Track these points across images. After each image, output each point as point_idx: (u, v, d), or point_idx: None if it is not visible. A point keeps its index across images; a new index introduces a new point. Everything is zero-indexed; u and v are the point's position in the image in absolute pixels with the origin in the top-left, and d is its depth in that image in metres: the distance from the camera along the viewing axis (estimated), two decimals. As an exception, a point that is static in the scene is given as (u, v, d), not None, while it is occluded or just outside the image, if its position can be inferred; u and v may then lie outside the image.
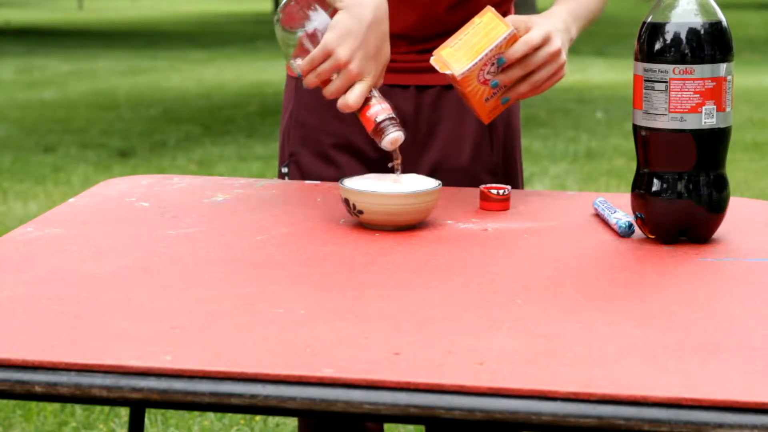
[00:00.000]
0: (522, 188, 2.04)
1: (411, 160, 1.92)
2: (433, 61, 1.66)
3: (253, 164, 6.91)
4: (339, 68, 1.61)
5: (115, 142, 7.77)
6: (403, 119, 1.92)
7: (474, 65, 1.63)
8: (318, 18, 1.64)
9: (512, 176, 1.99)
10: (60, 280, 1.35)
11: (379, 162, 1.92)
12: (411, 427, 3.11)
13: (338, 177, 1.88)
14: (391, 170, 1.66)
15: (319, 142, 1.94)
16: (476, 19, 1.66)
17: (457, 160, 1.93)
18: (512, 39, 1.65)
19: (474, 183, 1.91)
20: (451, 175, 1.90)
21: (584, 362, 1.09)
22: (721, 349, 1.13)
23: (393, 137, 1.60)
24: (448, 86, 1.93)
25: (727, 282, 1.35)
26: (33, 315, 1.23)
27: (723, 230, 1.53)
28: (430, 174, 1.91)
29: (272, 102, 9.82)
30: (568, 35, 1.76)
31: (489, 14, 1.66)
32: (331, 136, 1.94)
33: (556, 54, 1.68)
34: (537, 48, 1.67)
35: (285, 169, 1.98)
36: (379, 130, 1.60)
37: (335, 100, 1.68)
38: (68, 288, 1.32)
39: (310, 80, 1.63)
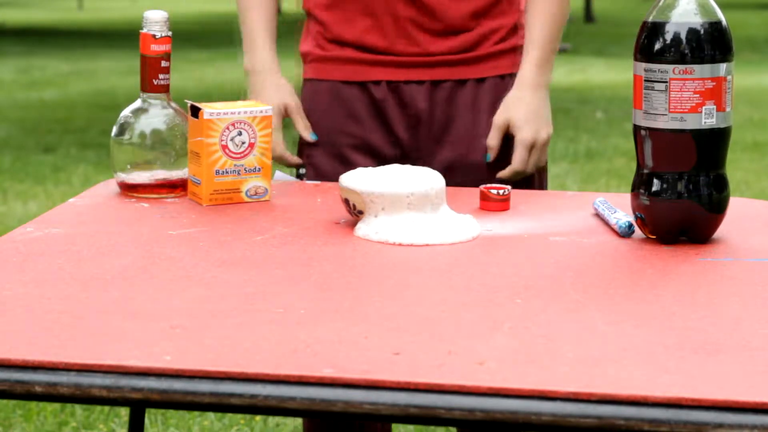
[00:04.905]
0: (539, 183, 2.01)
1: (426, 156, 1.94)
2: None
3: (253, 164, 6.90)
4: None
5: (115, 142, 7.75)
6: (417, 116, 1.94)
7: None
8: None
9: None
10: (60, 280, 1.35)
11: (396, 161, 1.94)
12: (411, 427, 3.11)
13: None
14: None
15: (335, 143, 1.97)
16: None
17: (473, 157, 1.94)
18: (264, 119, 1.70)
19: (491, 179, 1.92)
20: (466, 171, 1.90)
21: (584, 362, 1.09)
22: (721, 349, 1.13)
23: None
24: (461, 81, 1.95)
25: (727, 282, 1.35)
26: (33, 315, 1.23)
27: (723, 230, 1.53)
28: (446, 170, 1.92)
29: (272, 102, 9.80)
30: (542, 92, 1.91)
31: None
32: (348, 136, 1.96)
33: (542, 146, 1.93)
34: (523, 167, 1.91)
35: (302, 170, 2.00)
36: None
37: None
38: (68, 288, 1.32)
39: None
